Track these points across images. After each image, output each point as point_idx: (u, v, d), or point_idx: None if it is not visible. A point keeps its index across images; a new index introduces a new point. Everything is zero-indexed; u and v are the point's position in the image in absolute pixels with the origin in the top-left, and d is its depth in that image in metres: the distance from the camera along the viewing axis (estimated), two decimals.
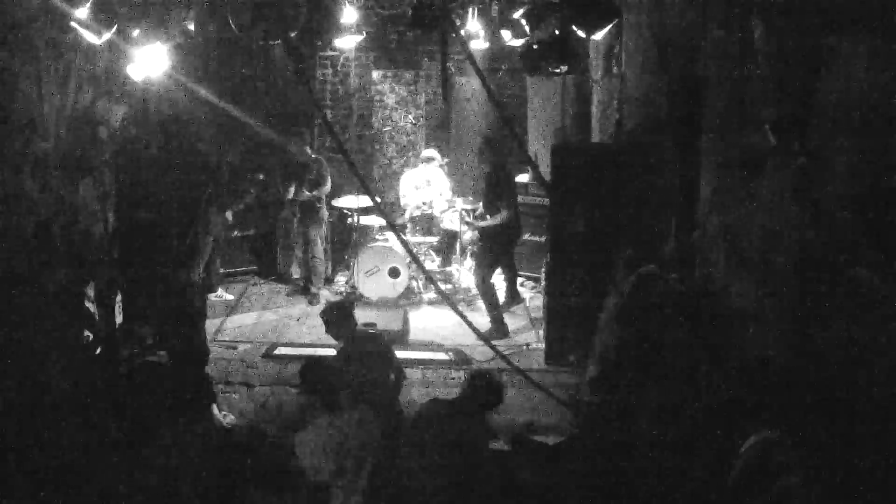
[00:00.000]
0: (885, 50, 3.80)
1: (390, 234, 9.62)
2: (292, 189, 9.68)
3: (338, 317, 6.43)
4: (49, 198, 7.24)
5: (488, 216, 8.76)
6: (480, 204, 9.01)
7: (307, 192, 9.57)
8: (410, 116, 11.88)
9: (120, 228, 8.05)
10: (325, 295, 9.82)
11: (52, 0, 6.52)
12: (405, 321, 8.66)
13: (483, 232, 8.88)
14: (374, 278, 9.51)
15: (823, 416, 4.00)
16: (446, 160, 10.76)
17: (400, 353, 8.08)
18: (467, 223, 9.28)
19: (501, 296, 9.16)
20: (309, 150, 9.79)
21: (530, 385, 6.91)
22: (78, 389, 6.28)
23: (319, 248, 9.75)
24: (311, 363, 5.70)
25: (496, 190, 8.69)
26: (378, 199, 7.67)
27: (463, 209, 9.65)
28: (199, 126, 10.16)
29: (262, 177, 9.90)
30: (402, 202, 10.43)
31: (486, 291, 8.74)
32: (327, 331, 6.50)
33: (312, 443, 5.12)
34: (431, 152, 10.44)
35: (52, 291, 6.71)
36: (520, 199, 9.34)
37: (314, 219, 9.70)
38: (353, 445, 5.10)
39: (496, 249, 8.82)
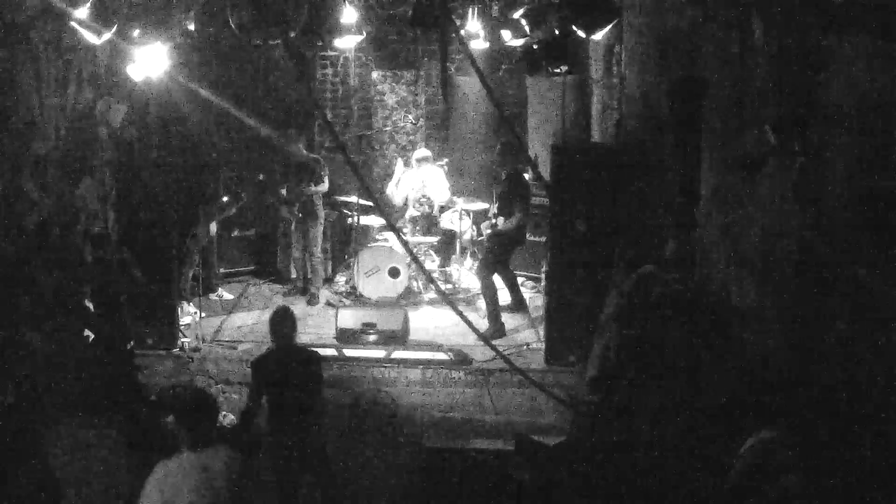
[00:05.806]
0: (885, 50, 3.80)
1: (390, 234, 9.61)
2: (284, 189, 9.66)
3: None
4: (49, 198, 7.25)
5: (502, 218, 8.74)
6: (495, 207, 8.97)
7: (312, 188, 9.51)
8: (410, 116, 11.87)
9: (120, 228, 8.05)
10: (326, 295, 9.81)
11: (52, 0, 6.52)
12: (405, 321, 8.65)
13: (494, 233, 8.86)
14: (374, 278, 9.50)
15: (823, 416, 4.00)
16: (446, 160, 10.74)
17: (400, 353, 8.12)
18: (487, 230, 9.18)
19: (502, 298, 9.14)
20: (303, 149, 9.73)
21: (530, 385, 6.90)
22: (78, 389, 6.29)
23: (318, 248, 9.73)
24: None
25: (512, 194, 8.70)
26: (378, 199, 7.67)
27: (487, 219, 9.51)
28: (198, 125, 10.16)
29: (262, 177, 9.87)
30: (398, 205, 10.36)
31: (489, 290, 8.74)
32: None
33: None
34: (424, 151, 10.40)
35: (51, 291, 6.71)
36: None
37: (313, 219, 9.67)
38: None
39: (500, 251, 8.83)
